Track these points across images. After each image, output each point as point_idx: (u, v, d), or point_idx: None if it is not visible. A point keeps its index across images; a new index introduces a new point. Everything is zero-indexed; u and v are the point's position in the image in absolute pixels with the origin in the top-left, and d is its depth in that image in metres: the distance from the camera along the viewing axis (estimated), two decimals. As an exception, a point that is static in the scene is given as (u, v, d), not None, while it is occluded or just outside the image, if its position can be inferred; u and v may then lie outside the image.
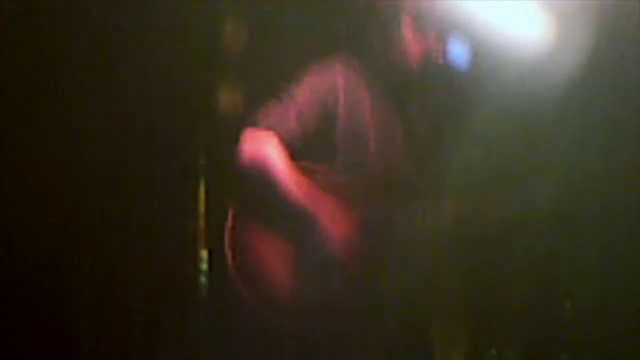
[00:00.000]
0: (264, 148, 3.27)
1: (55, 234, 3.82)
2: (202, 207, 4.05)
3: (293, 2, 3.93)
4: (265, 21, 4.01)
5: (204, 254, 4.04)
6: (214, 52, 4.05)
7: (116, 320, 3.89)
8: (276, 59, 3.94)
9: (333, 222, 3.27)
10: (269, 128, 3.29)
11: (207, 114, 4.05)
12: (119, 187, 3.93)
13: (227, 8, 4.04)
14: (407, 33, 3.39)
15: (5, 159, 3.78)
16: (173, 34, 3.93)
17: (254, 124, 3.30)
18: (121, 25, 3.87)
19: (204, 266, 4.02)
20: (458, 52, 3.39)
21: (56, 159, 3.82)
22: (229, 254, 3.23)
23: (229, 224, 3.26)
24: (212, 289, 3.97)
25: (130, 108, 3.89)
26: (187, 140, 4.04)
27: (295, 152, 3.31)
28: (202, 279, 4.00)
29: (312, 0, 3.89)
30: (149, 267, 3.92)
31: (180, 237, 4.01)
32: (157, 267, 3.93)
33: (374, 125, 3.42)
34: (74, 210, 3.86)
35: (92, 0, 3.79)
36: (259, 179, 3.27)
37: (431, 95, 3.52)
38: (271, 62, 3.96)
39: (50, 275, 3.81)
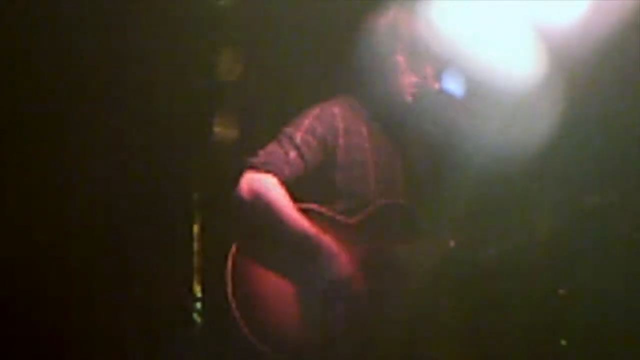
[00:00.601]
0: (264, 188, 3.27)
1: (49, 269, 3.79)
2: (196, 244, 4.05)
3: (295, 39, 3.96)
4: (265, 60, 4.04)
5: (197, 290, 4.04)
6: (212, 90, 4.07)
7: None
8: (275, 97, 3.97)
9: (334, 260, 3.26)
10: (269, 170, 3.29)
11: (202, 151, 4.06)
12: (113, 223, 3.92)
13: (228, 47, 4.07)
14: (403, 67, 3.41)
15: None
16: (171, 73, 3.95)
17: (254, 165, 3.30)
18: (117, 64, 3.90)
19: (198, 303, 4.01)
20: (453, 84, 3.41)
21: (51, 195, 3.81)
22: (230, 295, 3.19)
23: (229, 263, 3.25)
24: (207, 325, 3.96)
25: (126, 142, 3.90)
26: (182, 176, 4.05)
27: (296, 193, 3.31)
28: (197, 315, 3.99)
29: (314, 37, 3.92)
30: (143, 302, 3.89)
31: (175, 273, 4.00)
32: (152, 303, 3.90)
33: (373, 164, 3.43)
34: (67, 242, 3.85)
35: (89, 34, 3.81)
36: (259, 218, 3.26)
37: (428, 128, 3.53)
38: (270, 101, 3.99)
39: (47, 310, 3.79)
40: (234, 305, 3.16)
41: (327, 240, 3.26)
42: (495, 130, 3.48)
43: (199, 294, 4.04)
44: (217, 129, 4.07)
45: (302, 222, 3.26)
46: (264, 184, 3.27)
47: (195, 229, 4.07)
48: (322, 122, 3.38)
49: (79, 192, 3.86)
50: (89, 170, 3.86)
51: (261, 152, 3.33)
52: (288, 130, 3.36)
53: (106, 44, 3.85)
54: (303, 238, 3.25)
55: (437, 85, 3.43)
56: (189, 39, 3.97)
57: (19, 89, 3.77)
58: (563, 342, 3.76)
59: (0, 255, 3.72)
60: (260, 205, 3.25)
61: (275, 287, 3.24)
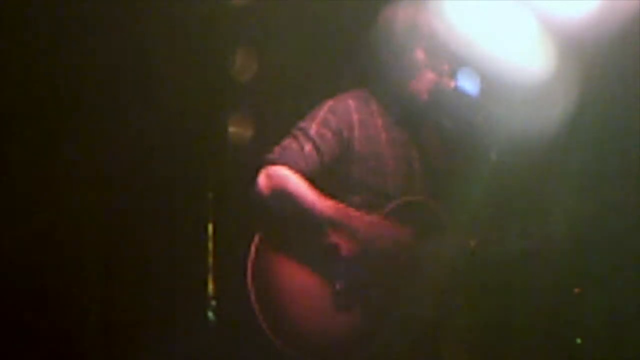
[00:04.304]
0: (283, 181, 3.27)
1: (64, 268, 3.82)
2: (211, 243, 4.06)
3: (308, 38, 3.96)
4: (280, 59, 4.04)
5: (212, 289, 4.05)
6: (227, 89, 4.08)
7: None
8: (290, 96, 3.97)
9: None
10: (287, 164, 3.29)
11: (217, 151, 4.07)
12: (128, 222, 3.94)
13: (243, 47, 4.08)
14: (420, 64, 3.40)
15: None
16: (186, 73, 3.97)
17: (270, 161, 3.31)
18: (132, 63, 3.92)
19: (213, 301, 4.02)
20: (468, 81, 3.40)
21: (66, 195, 3.84)
22: (252, 289, 3.19)
23: (251, 253, 3.25)
24: (221, 322, 3.97)
25: (141, 142, 3.92)
26: (197, 175, 4.06)
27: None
28: (211, 314, 4.01)
29: (327, 35, 3.92)
30: (159, 300, 3.92)
31: (190, 272, 4.02)
32: (167, 301, 3.93)
33: (389, 157, 3.42)
34: (83, 241, 3.88)
35: (106, 35, 3.83)
36: (282, 210, 3.26)
37: (444, 123, 3.52)
38: (285, 100, 3.99)
39: (62, 309, 3.82)
40: (253, 296, 3.15)
41: (357, 213, 3.27)
42: (510, 127, 3.47)
43: (213, 293, 4.05)
44: (232, 129, 4.08)
45: (326, 201, 3.24)
46: (281, 177, 3.25)
47: (210, 228, 4.07)
48: (336, 114, 3.37)
49: (94, 191, 3.88)
50: (104, 169, 3.88)
51: (276, 148, 3.32)
52: (303, 124, 3.36)
53: (122, 44, 3.87)
54: (333, 213, 3.24)
55: (452, 84, 3.43)
56: (204, 39, 3.99)
57: (39, 89, 3.81)
58: (578, 341, 3.74)
59: (18, 255, 3.74)
60: (281, 197, 3.24)
61: (296, 282, 3.22)
